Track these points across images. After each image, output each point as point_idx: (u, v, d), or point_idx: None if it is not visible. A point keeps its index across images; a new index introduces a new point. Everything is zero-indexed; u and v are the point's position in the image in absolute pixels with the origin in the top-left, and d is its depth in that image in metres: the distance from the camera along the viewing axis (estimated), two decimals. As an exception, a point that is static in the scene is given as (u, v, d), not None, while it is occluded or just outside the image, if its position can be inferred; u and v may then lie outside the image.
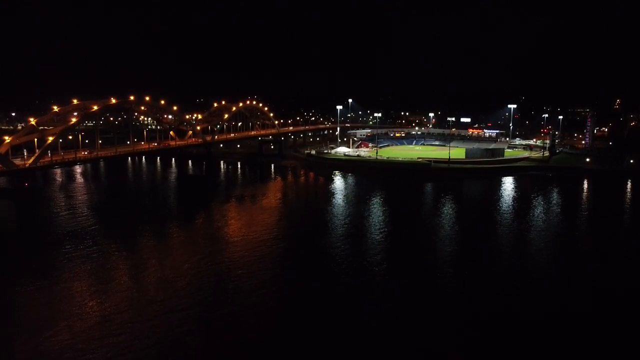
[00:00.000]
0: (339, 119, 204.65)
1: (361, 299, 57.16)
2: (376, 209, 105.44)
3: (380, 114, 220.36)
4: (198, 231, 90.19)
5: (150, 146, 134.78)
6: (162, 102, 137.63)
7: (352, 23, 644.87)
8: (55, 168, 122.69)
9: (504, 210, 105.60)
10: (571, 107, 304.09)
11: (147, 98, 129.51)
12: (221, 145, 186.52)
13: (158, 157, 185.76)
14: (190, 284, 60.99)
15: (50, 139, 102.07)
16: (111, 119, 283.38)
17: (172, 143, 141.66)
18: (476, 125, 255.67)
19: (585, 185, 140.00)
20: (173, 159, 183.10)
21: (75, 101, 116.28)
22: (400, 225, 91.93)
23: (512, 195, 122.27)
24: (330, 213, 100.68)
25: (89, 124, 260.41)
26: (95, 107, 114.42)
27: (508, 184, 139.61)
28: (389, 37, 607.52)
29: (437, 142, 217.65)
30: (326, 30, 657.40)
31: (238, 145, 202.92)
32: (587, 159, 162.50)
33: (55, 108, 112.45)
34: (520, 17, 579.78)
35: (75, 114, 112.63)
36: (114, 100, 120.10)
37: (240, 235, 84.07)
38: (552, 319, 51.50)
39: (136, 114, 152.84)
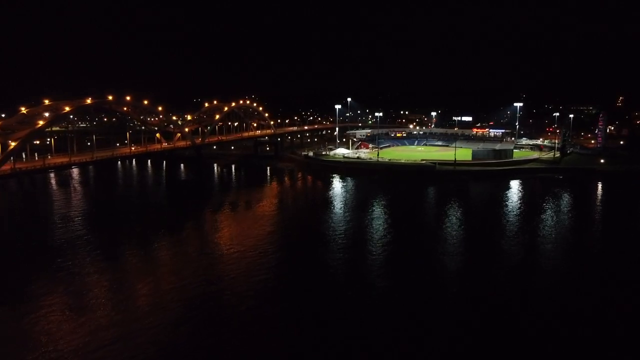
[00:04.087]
0: (337, 118, 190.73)
1: (361, 310, 52.02)
2: (378, 217, 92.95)
3: (381, 114, 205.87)
4: (186, 244, 78.03)
5: (133, 150, 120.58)
6: (146, 102, 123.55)
7: (352, 22, 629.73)
8: (33, 175, 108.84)
9: (517, 218, 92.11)
10: (574, 106, 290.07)
11: (128, 98, 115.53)
12: (214, 147, 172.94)
13: (149, 160, 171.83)
14: (177, 304, 52.65)
15: (13, 144, 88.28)
16: (105, 119, 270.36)
17: (158, 146, 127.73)
18: (479, 125, 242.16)
19: (603, 189, 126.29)
20: (164, 162, 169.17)
21: (46, 101, 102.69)
22: (404, 234, 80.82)
23: (524, 201, 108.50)
24: (329, 221, 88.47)
25: (82, 125, 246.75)
26: (68, 108, 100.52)
27: (519, 187, 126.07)
28: (388, 36, 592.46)
29: (439, 142, 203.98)
30: (325, 29, 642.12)
31: (232, 147, 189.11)
32: (602, 160, 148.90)
33: (23, 109, 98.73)
34: (521, 16, 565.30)
35: (57, 114, 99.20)
36: (89, 101, 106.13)
37: (233, 248, 72.72)
38: (554, 325, 48.15)
39: (129, 116, 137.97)
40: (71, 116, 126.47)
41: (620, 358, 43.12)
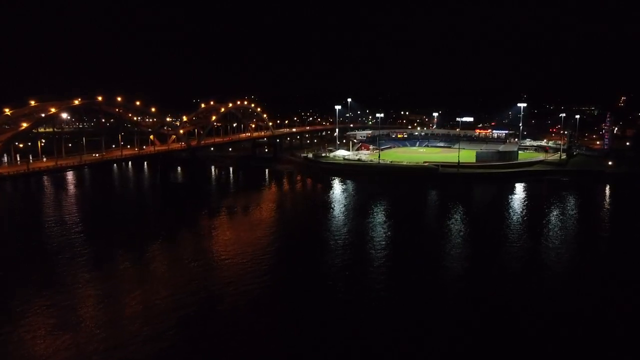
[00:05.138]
0: (337, 119, 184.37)
1: (360, 311, 50.20)
2: (379, 222, 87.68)
3: (382, 115, 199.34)
4: (180, 250, 72.76)
5: (124, 153, 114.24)
6: (138, 102, 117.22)
7: (352, 22, 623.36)
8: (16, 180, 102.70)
9: (523, 224, 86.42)
10: (575, 106, 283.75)
11: (119, 98, 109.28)
12: (212, 149, 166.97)
13: (145, 162, 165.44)
14: (172, 311, 49.49)
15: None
16: (103, 120, 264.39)
17: (151, 149, 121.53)
18: (480, 125, 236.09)
19: (614, 192, 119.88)
20: (159, 165, 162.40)
21: (32, 102, 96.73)
22: (406, 239, 76.61)
23: (530, 205, 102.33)
24: (329, 226, 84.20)
25: (79, 126, 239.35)
26: (53, 110, 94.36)
27: (525, 191, 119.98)
28: (388, 36, 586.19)
29: (441, 144, 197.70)
30: (325, 29, 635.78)
31: (230, 149, 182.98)
32: (610, 162, 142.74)
33: (7, 111, 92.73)
34: (521, 16, 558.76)
35: (43, 115, 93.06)
36: (77, 102, 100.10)
37: (229, 254, 68.52)
38: (554, 325, 47.01)
39: (122, 117, 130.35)
40: (66, 116, 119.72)
41: (620, 358, 42.41)
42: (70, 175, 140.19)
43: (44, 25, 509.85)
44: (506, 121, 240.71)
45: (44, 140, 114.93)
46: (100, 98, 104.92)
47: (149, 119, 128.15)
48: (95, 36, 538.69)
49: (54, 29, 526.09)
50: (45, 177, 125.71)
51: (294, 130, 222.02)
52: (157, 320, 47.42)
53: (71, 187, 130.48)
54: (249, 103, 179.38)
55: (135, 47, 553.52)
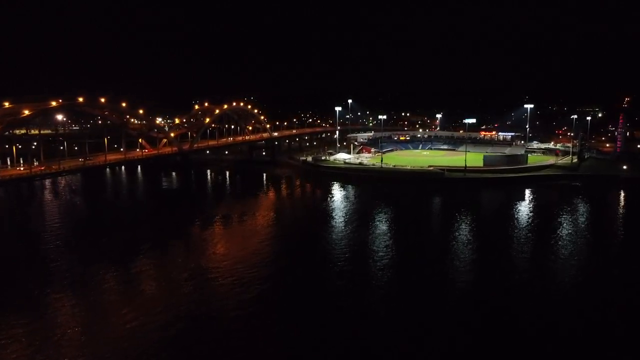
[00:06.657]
0: (337, 120, 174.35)
1: (360, 312, 49.23)
2: (382, 231, 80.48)
3: (385, 117, 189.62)
4: (168, 264, 65.47)
5: (109, 158, 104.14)
6: (124, 104, 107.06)
7: (352, 22, 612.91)
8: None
9: (537, 234, 77.76)
10: (577, 106, 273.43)
11: (103, 99, 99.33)
12: (207, 152, 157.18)
13: (139, 166, 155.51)
14: (168, 320, 46.75)
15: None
16: (99, 122, 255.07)
17: (139, 153, 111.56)
18: (484, 127, 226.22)
19: (631, 198, 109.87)
20: (152, 169, 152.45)
21: (6, 104, 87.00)
22: (411, 249, 70.62)
23: (543, 213, 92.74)
24: (330, 234, 77.98)
25: (75, 128, 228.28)
26: (27, 112, 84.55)
27: (536, 197, 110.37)
28: (388, 36, 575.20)
29: (445, 146, 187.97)
30: (325, 29, 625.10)
31: (226, 152, 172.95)
32: (625, 166, 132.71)
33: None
34: (521, 16, 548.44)
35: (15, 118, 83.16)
36: (54, 103, 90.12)
37: (225, 263, 63.76)
38: (554, 325, 45.86)
39: (108, 120, 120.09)
40: (61, 117, 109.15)
41: (620, 358, 41.73)
42: (52, 182, 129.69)
43: (44, 25, 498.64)
44: (509, 122, 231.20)
45: (35, 144, 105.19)
46: (81, 99, 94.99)
47: (137, 120, 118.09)
48: (95, 36, 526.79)
49: (54, 29, 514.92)
50: (26, 184, 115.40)
51: (293, 132, 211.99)
52: (152, 329, 45.06)
53: (51, 195, 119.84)
54: (246, 104, 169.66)
55: (135, 47, 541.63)
